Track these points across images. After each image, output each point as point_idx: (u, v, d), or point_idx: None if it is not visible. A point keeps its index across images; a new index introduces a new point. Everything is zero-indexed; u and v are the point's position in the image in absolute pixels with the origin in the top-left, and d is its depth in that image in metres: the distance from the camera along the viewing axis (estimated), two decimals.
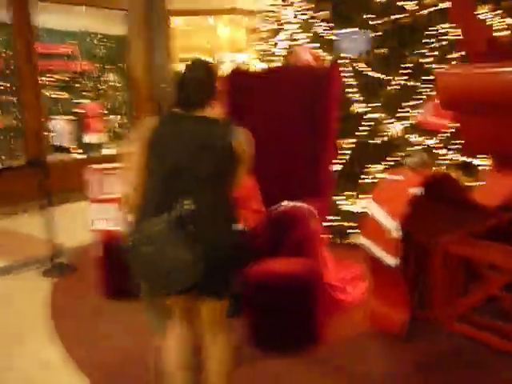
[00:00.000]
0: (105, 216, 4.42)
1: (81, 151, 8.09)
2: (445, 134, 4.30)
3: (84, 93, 8.02)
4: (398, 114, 4.43)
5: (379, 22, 4.50)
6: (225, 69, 10.73)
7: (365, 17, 4.55)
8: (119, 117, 8.66)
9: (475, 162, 4.27)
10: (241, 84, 3.94)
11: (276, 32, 5.39)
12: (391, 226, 2.67)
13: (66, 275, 4.27)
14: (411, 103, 4.41)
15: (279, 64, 5.11)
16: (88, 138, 8.23)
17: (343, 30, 4.65)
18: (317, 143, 3.64)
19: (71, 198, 6.56)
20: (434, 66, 4.32)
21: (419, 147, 4.23)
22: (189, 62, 2.11)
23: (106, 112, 8.43)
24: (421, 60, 4.41)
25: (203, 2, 9.39)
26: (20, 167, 6.56)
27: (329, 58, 4.73)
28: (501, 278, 2.76)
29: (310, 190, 3.38)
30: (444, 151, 4.32)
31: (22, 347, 3.10)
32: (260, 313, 2.90)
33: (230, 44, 10.92)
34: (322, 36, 4.77)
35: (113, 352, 2.97)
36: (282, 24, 5.21)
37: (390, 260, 2.71)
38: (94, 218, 4.47)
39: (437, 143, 4.30)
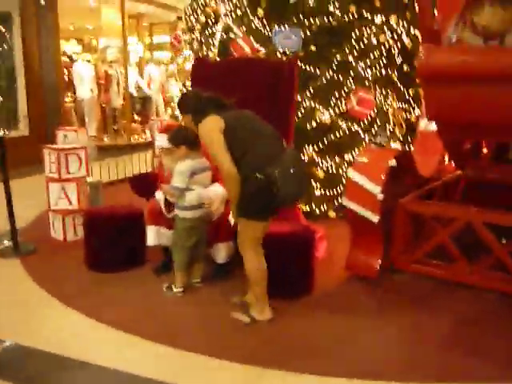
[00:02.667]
0: (65, 195, 4.49)
1: None
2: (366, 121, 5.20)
3: None
4: (327, 103, 5.20)
5: (312, 22, 5.20)
6: (109, 55, 10.66)
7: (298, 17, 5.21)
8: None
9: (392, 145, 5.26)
10: (205, 73, 4.33)
11: (206, 24, 5.83)
12: (375, 190, 3.39)
13: (27, 255, 4.24)
14: (338, 94, 5.21)
15: (211, 53, 5.58)
16: None
17: (279, 28, 5.25)
18: (279, 126, 4.20)
19: None
20: (353, 63, 5.20)
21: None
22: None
23: None
24: (344, 58, 5.22)
25: None
26: None
27: (263, 51, 5.32)
28: (444, 229, 3.64)
29: None
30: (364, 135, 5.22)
31: (43, 322, 3.19)
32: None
33: (114, 29, 10.80)
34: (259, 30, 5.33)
35: (134, 310, 3.25)
36: (215, 17, 5.66)
37: (373, 217, 3.43)
38: (54, 197, 4.50)
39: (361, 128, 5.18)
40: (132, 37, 11.15)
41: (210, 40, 5.71)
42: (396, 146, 5.32)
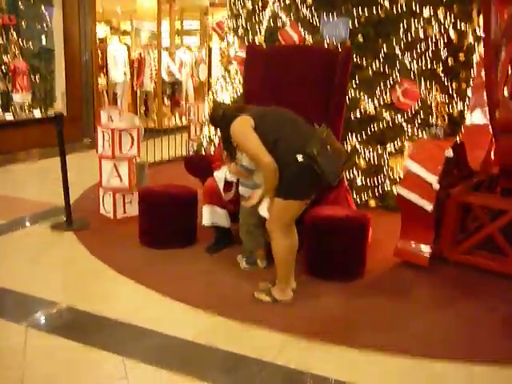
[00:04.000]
0: (117, 173, 4.61)
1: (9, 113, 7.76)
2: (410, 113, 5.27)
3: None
4: (372, 94, 5.27)
5: (360, 13, 5.25)
6: (142, 39, 10.75)
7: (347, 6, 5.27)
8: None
9: None
10: (259, 60, 4.40)
11: (252, 11, 5.90)
12: (432, 179, 3.47)
13: (81, 229, 4.38)
14: (383, 85, 5.27)
15: (257, 40, 5.66)
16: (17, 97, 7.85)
17: (327, 17, 5.30)
18: (331, 114, 4.27)
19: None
20: (400, 55, 5.25)
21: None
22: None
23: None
24: (391, 50, 5.27)
25: None
26: None
27: (310, 39, 5.38)
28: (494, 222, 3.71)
29: None
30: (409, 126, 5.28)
31: (114, 298, 3.33)
32: (318, 249, 3.50)
33: (148, 12, 10.85)
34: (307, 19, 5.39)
35: (193, 284, 3.37)
36: (263, 4, 5.73)
37: (428, 206, 3.52)
38: (106, 175, 4.62)
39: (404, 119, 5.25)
40: (165, 21, 11.17)
41: (257, 27, 5.77)
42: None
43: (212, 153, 4.31)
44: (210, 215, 3.84)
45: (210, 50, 13.06)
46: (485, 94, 3.97)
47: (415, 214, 3.61)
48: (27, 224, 4.56)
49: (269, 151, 2.93)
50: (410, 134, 5.30)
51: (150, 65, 10.39)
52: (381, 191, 5.21)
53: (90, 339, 2.69)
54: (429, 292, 3.45)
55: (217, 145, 4.26)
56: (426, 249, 3.67)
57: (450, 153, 3.50)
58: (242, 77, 5.86)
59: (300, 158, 2.87)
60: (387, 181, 5.23)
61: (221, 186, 3.75)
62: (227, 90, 6.20)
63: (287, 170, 2.92)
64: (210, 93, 6.77)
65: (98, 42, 11.15)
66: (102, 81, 10.38)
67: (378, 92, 5.27)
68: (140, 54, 10.38)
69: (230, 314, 3.00)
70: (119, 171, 4.60)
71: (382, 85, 5.28)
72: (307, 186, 2.99)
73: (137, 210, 4.71)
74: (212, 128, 6.36)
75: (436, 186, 3.46)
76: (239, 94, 5.97)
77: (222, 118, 3.14)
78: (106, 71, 10.46)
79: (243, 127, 3.01)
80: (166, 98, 11.22)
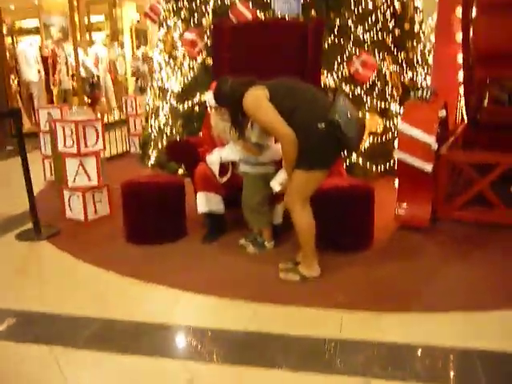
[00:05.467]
0: (84, 171, 4.23)
1: None
2: (367, 85, 5.33)
3: None
4: (330, 68, 5.25)
5: None
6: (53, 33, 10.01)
7: None
8: None
9: (391, 107, 5.44)
10: (227, 38, 4.20)
11: None
12: (429, 140, 3.51)
13: (52, 236, 3.94)
14: (340, 59, 5.28)
15: (205, 21, 5.45)
16: None
17: None
18: (308, 78, 4.17)
19: None
20: (352, 27, 5.29)
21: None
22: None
23: None
24: (344, 22, 5.29)
25: None
26: None
27: (262, 16, 5.26)
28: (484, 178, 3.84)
29: None
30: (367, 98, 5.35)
31: (133, 301, 3.03)
32: (328, 219, 3.40)
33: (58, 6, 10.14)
34: None
35: (203, 275, 3.16)
36: None
37: (428, 166, 3.55)
38: (71, 174, 4.21)
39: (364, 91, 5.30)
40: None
41: (203, 7, 5.54)
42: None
43: (192, 137, 4.04)
44: (205, 202, 3.61)
45: (121, 44, 12.53)
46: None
47: (414, 176, 3.63)
48: None
49: (286, 122, 2.79)
50: (369, 105, 5.39)
51: (64, 61, 9.69)
52: (347, 162, 5.22)
53: (137, 348, 2.39)
54: (439, 250, 3.49)
55: (202, 129, 4.00)
56: (427, 210, 3.72)
57: (443, 113, 3.56)
58: (190, 57, 5.63)
59: (322, 125, 2.75)
60: (353, 154, 5.26)
61: (216, 169, 3.53)
62: (175, 76, 5.90)
63: (308, 140, 2.80)
64: (154, 82, 6.42)
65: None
66: (12, 83, 9.53)
67: (335, 65, 5.28)
68: (53, 49, 9.64)
69: (265, 298, 2.82)
70: (86, 168, 4.20)
71: (339, 58, 5.29)
72: (330, 153, 2.89)
73: (108, 208, 4.38)
74: (162, 118, 6.05)
75: (435, 146, 3.51)
76: (189, 78, 5.72)
77: (230, 93, 2.94)
78: (17, 72, 9.61)
79: (258, 99, 2.84)
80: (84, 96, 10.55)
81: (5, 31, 11.65)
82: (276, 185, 3.04)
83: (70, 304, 2.85)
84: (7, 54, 9.05)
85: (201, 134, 4.11)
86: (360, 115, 5.24)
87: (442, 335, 2.43)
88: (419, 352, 2.31)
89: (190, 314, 2.75)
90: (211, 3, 5.47)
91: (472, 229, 3.78)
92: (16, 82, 9.59)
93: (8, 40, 10.29)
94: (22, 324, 2.66)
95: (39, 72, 9.53)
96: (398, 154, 3.65)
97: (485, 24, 3.87)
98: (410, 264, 3.25)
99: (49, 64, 9.60)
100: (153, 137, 6.27)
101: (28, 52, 9.44)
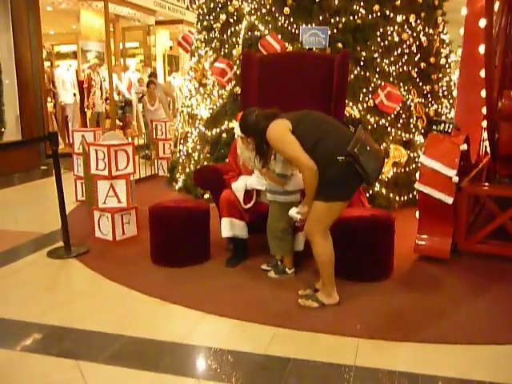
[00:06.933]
0: (114, 193, 4.40)
1: None
2: (392, 116, 5.42)
3: None
4: (356, 99, 5.37)
5: (337, 20, 5.37)
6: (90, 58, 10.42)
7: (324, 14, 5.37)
8: None
9: (416, 138, 5.51)
10: (256, 69, 4.36)
11: (227, 22, 5.88)
12: (450, 174, 3.57)
13: (81, 255, 4.11)
14: (365, 90, 5.40)
15: (235, 51, 5.65)
16: None
17: (306, 26, 5.37)
18: (333, 109, 4.27)
19: None
20: (378, 59, 5.42)
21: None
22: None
23: None
24: (370, 55, 5.42)
25: None
26: None
27: (290, 48, 5.43)
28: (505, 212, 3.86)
29: None
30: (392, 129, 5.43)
31: (158, 321, 3.13)
32: (348, 248, 3.47)
33: (95, 32, 10.56)
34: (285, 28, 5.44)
35: (229, 299, 3.25)
36: (238, 15, 5.72)
37: (448, 199, 3.61)
38: (102, 195, 4.39)
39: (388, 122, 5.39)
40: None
41: (234, 38, 5.75)
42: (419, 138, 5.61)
43: (219, 165, 4.19)
44: (229, 227, 3.72)
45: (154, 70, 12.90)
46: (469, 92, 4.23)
47: (434, 208, 3.69)
48: (22, 254, 4.20)
49: (308, 154, 2.90)
50: (393, 136, 5.47)
51: (99, 85, 10.06)
52: (370, 192, 5.29)
53: (159, 366, 2.49)
54: (458, 282, 3.52)
55: (228, 156, 4.15)
56: (447, 242, 3.76)
57: (464, 147, 3.63)
58: (219, 86, 5.82)
59: (341, 158, 2.85)
60: (376, 183, 5.32)
61: (240, 196, 3.66)
62: (204, 103, 6.10)
63: (328, 172, 2.90)
64: (184, 109, 6.63)
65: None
66: (49, 105, 9.93)
67: (360, 96, 5.39)
68: (89, 74, 10.03)
69: (285, 323, 2.90)
70: (116, 190, 4.38)
71: (364, 90, 5.41)
72: (350, 186, 2.99)
73: (135, 230, 4.53)
74: (190, 144, 6.24)
75: (455, 179, 3.57)
76: (217, 106, 5.91)
77: (255, 123, 3.08)
78: (53, 95, 10.01)
79: (281, 130, 2.97)
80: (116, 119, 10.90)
81: (44, 55, 12.22)
82: (294, 214, 3.14)
83: (96, 320, 2.98)
84: (45, 77, 9.44)
85: (227, 160, 4.26)
86: (384, 146, 5.37)
87: (458, 367, 2.47)
88: (432, 383, 2.35)
89: (212, 336, 2.84)
90: (241, 34, 5.68)
91: (492, 262, 3.80)
92: (52, 104, 9.98)
93: (46, 63, 10.76)
94: (50, 338, 2.79)
95: (75, 95, 9.92)
96: (419, 187, 3.71)
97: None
98: (428, 295, 3.29)
99: (84, 88, 9.97)
100: (181, 161, 6.46)
101: (65, 76, 9.86)
